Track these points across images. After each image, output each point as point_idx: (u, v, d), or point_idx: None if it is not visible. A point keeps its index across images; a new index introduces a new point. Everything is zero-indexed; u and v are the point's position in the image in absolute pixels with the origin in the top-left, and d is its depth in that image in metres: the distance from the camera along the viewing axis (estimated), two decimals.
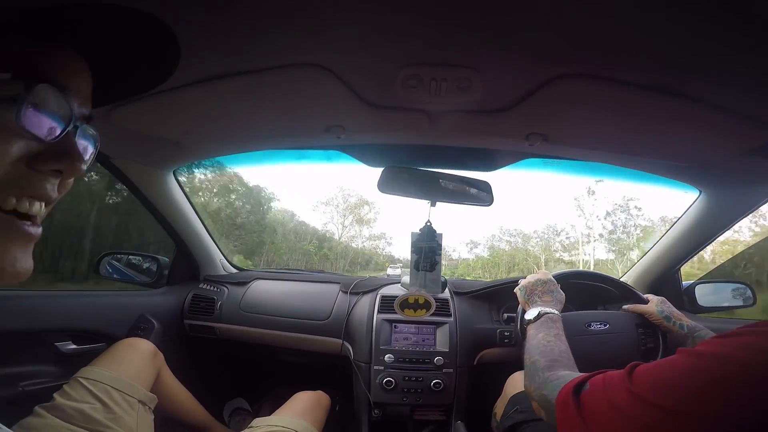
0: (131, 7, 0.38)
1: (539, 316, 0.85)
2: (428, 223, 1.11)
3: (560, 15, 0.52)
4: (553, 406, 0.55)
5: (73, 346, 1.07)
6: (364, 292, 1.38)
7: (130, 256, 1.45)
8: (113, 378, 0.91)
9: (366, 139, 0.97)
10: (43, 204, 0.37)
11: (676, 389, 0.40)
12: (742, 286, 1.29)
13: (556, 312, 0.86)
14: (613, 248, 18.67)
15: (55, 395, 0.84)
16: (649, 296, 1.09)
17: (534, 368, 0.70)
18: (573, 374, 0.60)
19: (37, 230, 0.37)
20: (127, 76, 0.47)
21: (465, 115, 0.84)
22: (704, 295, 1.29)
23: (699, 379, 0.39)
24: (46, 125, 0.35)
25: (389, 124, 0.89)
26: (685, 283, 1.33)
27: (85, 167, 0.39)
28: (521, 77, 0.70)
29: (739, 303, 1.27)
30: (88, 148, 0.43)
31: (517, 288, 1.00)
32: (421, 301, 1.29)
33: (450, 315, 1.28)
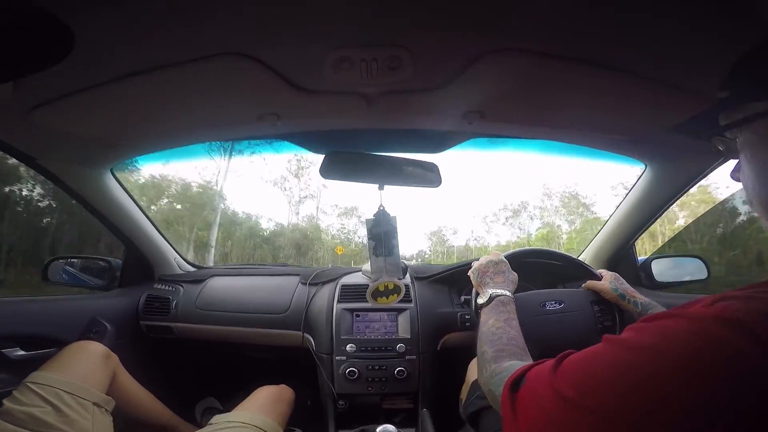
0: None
1: (491, 299, 0.83)
2: (381, 208, 1.08)
3: None
4: (500, 404, 0.50)
5: (22, 352, 1.04)
6: (324, 283, 1.36)
7: (79, 260, 1.39)
8: (63, 381, 0.90)
9: (304, 126, 0.94)
10: None
11: (594, 386, 0.37)
12: (697, 260, 1.31)
13: (508, 293, 0.85)
14: None
15: (5, 401, 0.84)
16: (603, 272, 1.07)
17: (482, 359, 0.67)
18: (518, 364, 0.57)
19: None
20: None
21: (401, 96, 0.82)
22: (660, 270, 1.30)
23: (617, 373, 0.36)
24: None
25: (326, 109, 0.87)
26: (640, 258, 1.34)
27: None
28: (451, 54, 0.68)
29: (694, 277, 1.28)
30: None
31: (470, 271, 0.98)
32: (390, 287, 1.27)
33: (411, 301, 1.27)
